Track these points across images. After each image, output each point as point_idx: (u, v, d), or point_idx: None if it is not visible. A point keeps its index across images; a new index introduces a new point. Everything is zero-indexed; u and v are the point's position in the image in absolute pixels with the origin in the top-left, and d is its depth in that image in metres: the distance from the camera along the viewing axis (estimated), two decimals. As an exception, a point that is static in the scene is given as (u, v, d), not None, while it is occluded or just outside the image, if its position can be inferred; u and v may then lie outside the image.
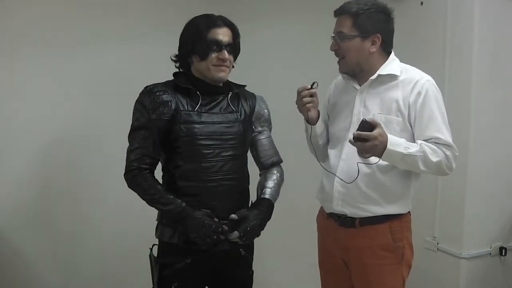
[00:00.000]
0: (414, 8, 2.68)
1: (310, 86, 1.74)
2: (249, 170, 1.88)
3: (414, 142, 1.68)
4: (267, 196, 1.83)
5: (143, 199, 1.72)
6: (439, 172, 1.71)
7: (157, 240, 1.80)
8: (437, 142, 1.67)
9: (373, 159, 1.65)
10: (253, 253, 1.88)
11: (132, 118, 1.73)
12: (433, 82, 1.73)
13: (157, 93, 1.70)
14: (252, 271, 1.89)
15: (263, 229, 1.77)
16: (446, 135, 1.68)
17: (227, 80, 1.81)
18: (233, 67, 1.79)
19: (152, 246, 1.80)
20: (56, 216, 2.35)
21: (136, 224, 2.33)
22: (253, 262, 1.89)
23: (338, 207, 1.77)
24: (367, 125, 1.57)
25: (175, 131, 1.70)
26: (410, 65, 1.79)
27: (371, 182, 1.72)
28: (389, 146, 1.59)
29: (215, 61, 1.71)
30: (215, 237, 1.66)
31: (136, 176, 1.70)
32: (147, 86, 1.74)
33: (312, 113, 1.80)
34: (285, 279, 2.80)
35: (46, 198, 2.33)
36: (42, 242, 2.33)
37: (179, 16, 1.78)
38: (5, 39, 2.17)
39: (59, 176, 2.34)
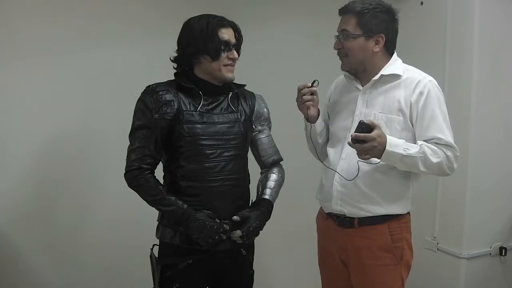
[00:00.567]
0: (414, 8, 2.68)
1: (310, 84, 1.75)
2: (249, 170, 1.88)
3: (415, 142, 1.67)
4: (267, 197, 1.83)
5: (144, 199, 1.72)
6: (440, 173, 1.72)
7: (158, 240, 1.80)
8: (438, 142, 1.66)
9: (373, 160, 1.65)
10: (253, 253, 1.88)
11: (134, 117, 1.73)
12: (435, 82, 1.73)
13: (160, 93, 1.70)
14: (253, 271, 1.89)
15: (262, 230, 1.77)
16: (447, 136, 1.68)
17: None
18: None
19: (153, 246, 1.80)
20: (56, 216, 2.35)
21: (136, 224, 2.33)
22: (254, 262, 1.89)
23: (337, 207, 1.77)
24: (364, 126, 1.57)
25: (178, 131, 1.69)
26: (410, 65, 1.79)
27: (370, 181, 1.72)
28: (388, 148, 1.59)
29: (226, 61, 1.71)
30: (216, 237, 1.66)
31: (137, 177, 1.69)
32: (149, 86, 1.74)
33: (312, 111, 1.80)
34: (286, 279, 2.80)
35: (46, 198, 2.32)
36: (42, 242, 2.32)
37: (179, 16, 1.77)
38: (5, 39, 2.17)
39: (58, 176, 2.33)
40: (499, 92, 2.49)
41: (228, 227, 1.69)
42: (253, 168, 1.92)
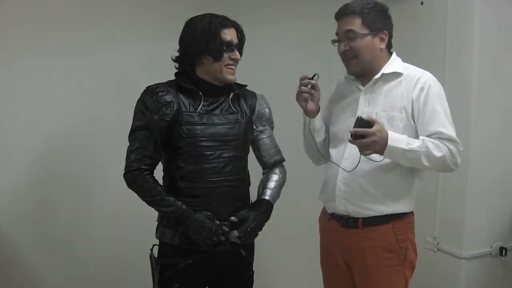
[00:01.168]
0: (414, 8, 2.67)
1: (311, 77, 1.75)
2: (249, 170, 1.87)
3: (418, 138, 1.67)
4: (267, 197, 1.83)
5: (143, 200, 1.72)
6: (444, 168, 1.70)
7: (157, 240, 1.80)
8: (440, 137, 1.65)
9: (377, 157, 1.64)
10: (253, 254, 1.88)
11: (133, 117, 1.73)
12: (435, 79, 1.74)
13: (160, 94, 1.70)
14: (253, 272, 1.89)
15: (261, 230, 1.77)
16: (449, 130, 1.67)
17: None
18: None
19: (153, 247, 1.80)
20: (55, 216, 2.35)
21: (136, 224, 2.33)
22: (254, 263, 1.89)
23: (341, 207, 1.77)
24: (363, 122, 1.57)
25: (177, 132, 1.69)
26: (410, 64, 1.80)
27: (373, 180, 1.72)
28: (390, 143, 1.59)
29: (228, 61, 1.71)
30: (215, 238, 1.66)
31: (136, 177, 1.69)
32: (149, 86, 1.73)
33: (310, 105, 1.80)
34: (286, 279, 2.80)
35: (46, 198, 2.33)
36: (42, 240, 2.32)
37: (179, 17, 1.77)
38: (6, 39, 2.17)
39: (58, 176, 2.34)
40: (500, 92, 2.48)
41: (227, 229, 1.69)
42: (254, 169, 1.92)
